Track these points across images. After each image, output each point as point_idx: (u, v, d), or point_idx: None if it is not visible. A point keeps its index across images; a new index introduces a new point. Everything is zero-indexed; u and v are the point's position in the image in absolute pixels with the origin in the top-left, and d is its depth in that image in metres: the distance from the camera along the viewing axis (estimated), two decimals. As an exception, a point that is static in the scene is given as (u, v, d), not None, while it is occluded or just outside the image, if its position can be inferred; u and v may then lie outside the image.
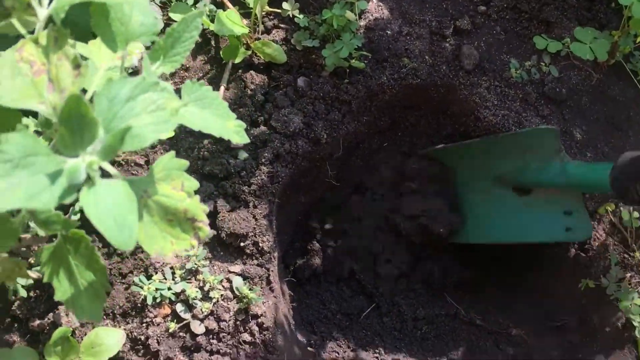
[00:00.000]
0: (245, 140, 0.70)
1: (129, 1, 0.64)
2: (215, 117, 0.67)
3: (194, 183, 0.62)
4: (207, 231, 0.65)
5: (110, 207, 0.47)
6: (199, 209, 0.63)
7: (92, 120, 0.46)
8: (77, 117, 0.48)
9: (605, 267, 1.16)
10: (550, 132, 1.13)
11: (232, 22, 1.03)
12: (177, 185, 0.61)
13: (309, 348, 1.22)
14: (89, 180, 0.48)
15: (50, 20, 0.62)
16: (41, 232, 0.76)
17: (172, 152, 0.61)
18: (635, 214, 1.13)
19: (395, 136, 1.34)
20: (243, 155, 1.15)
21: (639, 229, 1.15)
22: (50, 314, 1.05)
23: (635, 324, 1.10)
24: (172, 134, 1.10)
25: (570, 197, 1.16)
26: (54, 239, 0.68)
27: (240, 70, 1.20)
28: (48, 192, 0.48)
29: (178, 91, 0.62)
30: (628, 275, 1.14)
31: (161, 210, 0.60)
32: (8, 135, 0.47)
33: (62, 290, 0.65)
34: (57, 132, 0.49)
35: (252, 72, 1.19)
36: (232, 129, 0.68)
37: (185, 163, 0.61)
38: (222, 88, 1.14)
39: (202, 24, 0.86)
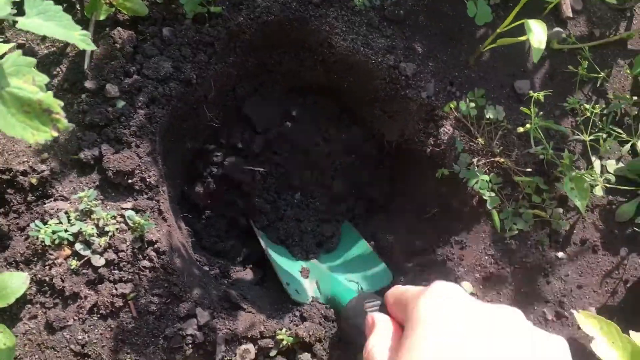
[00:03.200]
0: (92, 47, 0.80)
1: None
2: (60, 27, 0.77)
3: (43, 77, 0.72)
4: (65, 123, 0.75)
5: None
6: (54, 102, 0.73)
7: None
8: None
9: (456, 156, 1.34)
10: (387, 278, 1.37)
11: (86, -25, 1.12)
12: (28, 80, 0.71)
13: (211, 271, 1.33)
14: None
15: None
16: None
17: (19, 51, 0.71)
18: (472, 104, 1.30)
19: (264, 76, 1.48)
20: (120, 103, 1.24)
21: (478, 117, 1.33)
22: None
23: (485, 197, 1.28)
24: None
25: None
26: None
27: (107, 28, 1.29)
28: None
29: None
30: (475, 159, 1.31)
31: (16, 102, 0.70)
32: None
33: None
34: None
35: (119, 28, 1.28)
36: (78, 37, 0.79)
37: (33, 60, 0.71)
38: (89, 41, 1.23)
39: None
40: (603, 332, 1.11)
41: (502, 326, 0.58)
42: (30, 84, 0.71)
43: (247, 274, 1.40)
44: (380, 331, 0.80)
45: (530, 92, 1.29)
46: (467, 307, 0.62)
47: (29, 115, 0.71)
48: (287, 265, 1.39)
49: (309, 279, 1.39)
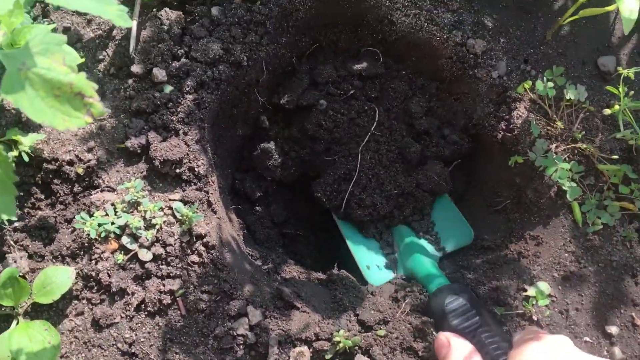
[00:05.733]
0: (129, 23, 0.72)
1: None
2: (94, 1, 0.70)
3: (75, 57, 0.65)
4: (99, 107, 0.67)
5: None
6: (86, 84, 0.65)
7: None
8: None
9: (531, 142, 1.20)
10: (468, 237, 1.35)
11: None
12: (57, 59, 0.63)
13: (263, 266, 1.25)
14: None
15: None
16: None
17: (49, 27, 0.63)
18: (550, 84, 1.17)
19: (320, 56, 1.37)
20: (168, 88, 1.17)
21: (557, 99, 1.19)
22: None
23: (565, 188, 1.14)
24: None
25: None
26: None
27: (154, 9, 1.22)
28: None
29: None
30: (553, 145, 1.18)
31: (45, 84, 0.63)
32: None
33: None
34: None
35: (166, 9, 1.21)
36: (114, 13, 0.71)
37: (63, 38, 0.64)
38: (134, 22, 1.17)
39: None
40: None
41: None
42: (61, 64, 0.63)
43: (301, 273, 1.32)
44: (457, 354, 0.86)
45: (619, 69, 1.14)
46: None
47: (59, 99, 0.64)
48: (366, 246, 1.38)
49: (392, 254, 1.38)
